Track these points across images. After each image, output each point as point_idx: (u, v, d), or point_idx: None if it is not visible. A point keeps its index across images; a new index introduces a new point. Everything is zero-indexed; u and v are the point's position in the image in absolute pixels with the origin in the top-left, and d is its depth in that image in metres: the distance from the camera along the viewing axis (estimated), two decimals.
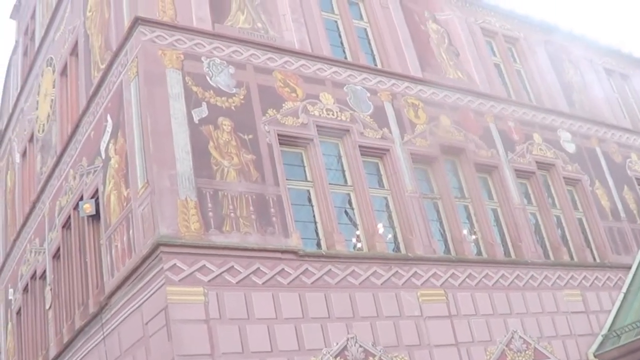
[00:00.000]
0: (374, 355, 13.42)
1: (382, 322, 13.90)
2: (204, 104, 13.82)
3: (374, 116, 16.34)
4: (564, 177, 20.10)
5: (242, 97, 14.42)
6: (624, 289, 19.32)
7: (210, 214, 12.77)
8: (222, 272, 12.35)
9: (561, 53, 23.36)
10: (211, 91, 14.07)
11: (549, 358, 16.35)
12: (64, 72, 18.48)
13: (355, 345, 13.25)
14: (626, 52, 26.34)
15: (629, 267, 20.01)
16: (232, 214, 12.97)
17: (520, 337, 16.02)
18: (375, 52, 18.04)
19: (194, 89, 13.87)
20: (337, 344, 13.06)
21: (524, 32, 22.49)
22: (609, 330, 17.97)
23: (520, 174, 18.88)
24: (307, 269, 13.39)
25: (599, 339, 17.74)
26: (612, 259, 19.80)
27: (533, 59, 22.18)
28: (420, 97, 17.61)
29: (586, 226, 20.21)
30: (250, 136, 14.04)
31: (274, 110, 14.70)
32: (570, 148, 20.95)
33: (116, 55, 14.76)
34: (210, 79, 14.23)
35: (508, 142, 19.01)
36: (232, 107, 14.15)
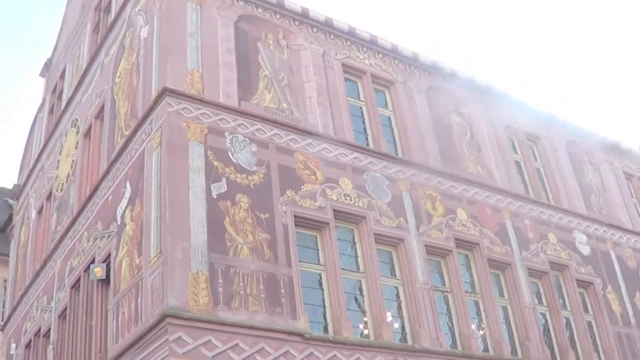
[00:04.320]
0: None
1: None
2: (224, 179, 13.91)
3: (391, 205, 16.37)
4: (576, 279, 19.93)
5: (262, 175, 14.51)
6: None
7: (220, 289, 12.75)
8: (227, 349, 12.28)
9: (582, 154, 23.41)
10: (232, 167, 14.17)
11: None
12: (87, 134, 18.68)
13: None
14: None
15: None
16: (241, 292, 12.95)
17: None
18: (397, 141, 18.16)
19: (215, 163, 13.98)
20: None
21: (546, 131, 22.54)
22: None
23: (533, 272, 18.74)
24: (312, 352, 13.29)
25: None
26: None
27: (554, 158, 22.21)
28: (438, 189, 17.65)
29: (595, 330, 19.96)
30: (267, 215, 14.08)
31: (293, 192, 14.77)
32: (585, 250, 20.84)
33: (141, 123, 14.93)
34: (232, 155, 14.35)
35: (523, 240, 18.94)
36: (251, 185, 14.23)
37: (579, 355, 18.84)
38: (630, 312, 21.08)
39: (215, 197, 13.59)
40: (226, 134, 14.54)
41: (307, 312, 13.72)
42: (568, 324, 19.21)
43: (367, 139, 17.56)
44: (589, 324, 19.84)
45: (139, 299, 13.20)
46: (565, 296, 19.64)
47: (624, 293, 21.31)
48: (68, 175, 19.44)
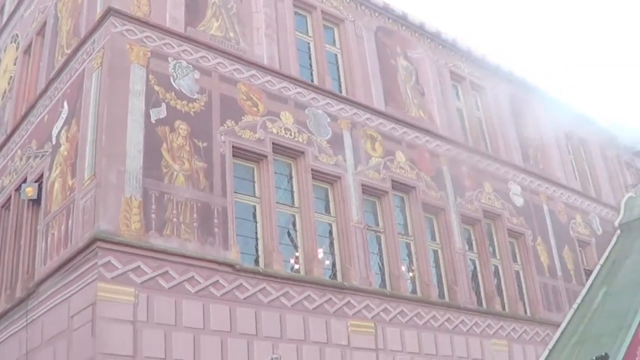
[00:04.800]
0: None
1: (308, 346, 13.90)
2: (164, 105, 13.70)
3: (331, 142, 16.35)
4: (508, 229, 20.28)
5: (202, 103, 14.33)
6: (550, 346, 19.57)
7: (153, 215, 12.65)
8: (156, 275, 12.23)
9: (524, 107, 23.57)
10: (173, 93, 13.95)
11: None
12: (27, 50, 18.21)
13: None
14: (586, 117, 26.66)
15: (558, 325, 20.23)
16: (174, 219, 12.87)
17: None
18: (342, 79, 18.07)
19: (156, 88, 13.75)
20: None
21: (491, 81, 22.65)
22: None
23: (466, 219, 19.01)
24: (241, 284, 13.33)
25: None
26: (543, 315, 20.02)
27: (496, 109, 22.34)
28: (379, 130, 17.66)
29: (522, 279, 20.38)
30: (205, 144, 13.94)
31: (233, 122, 14.63)
32: (518, 201, 21.14)
33: (83, 42, 14.57)
34: (174, 81, 14.12)
35: (458, 187, 19.13)
36: (192, 112, 14.05)
37: (504, 303, 19.25)
38: (558, 265, 21.53)
39: (153, 122, 13.38)
40: (169, 59, 14.28)
41: (239, 243, 13.73)
42: (496, 271, 19.59)
43: (312, 74, 17.41)
44: (517, 273, 20.25)
45: (70, 221, 13.03)
46: (496, 244, 20.00)
47: (553, 246, 21.74)
48: (4, 92, 18.98)
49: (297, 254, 15.09)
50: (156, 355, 11.77)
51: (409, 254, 17.40)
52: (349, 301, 14.96)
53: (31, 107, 16.39)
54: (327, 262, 15.55)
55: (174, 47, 14.46)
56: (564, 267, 21.85)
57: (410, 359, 15.69)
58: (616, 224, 25.69)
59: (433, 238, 18.19)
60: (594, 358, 17.01)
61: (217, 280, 12.99)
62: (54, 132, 14.70)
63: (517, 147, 22.43)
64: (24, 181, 15.39)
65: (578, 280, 22.19)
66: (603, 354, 17.03)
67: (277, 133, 15.35)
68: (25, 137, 16.38)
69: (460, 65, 21.72)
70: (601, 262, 23.52)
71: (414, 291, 16.95)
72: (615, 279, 22.17)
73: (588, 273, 22.91)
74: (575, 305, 21.23)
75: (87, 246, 11.98)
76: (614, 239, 24.98)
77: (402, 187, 17.64)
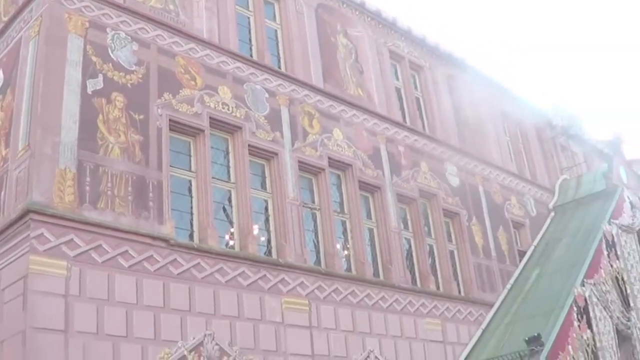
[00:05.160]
0: (229, 355, 13.50)
1: (242, 323, 14.00)
2: (101, 76, 13.60)
3: (269, 118, 16.42)
4: (443, 209, 20.61)
5: (140, 75, 14.26)
6: (483, 326, 19.99)
7: (87, 188, 12.58)
8: (90, 249, 12.20)
9: (462, 89, 23.87)
10: (110, 64, 13.85)
11: None
12: None
13: (211, 343, 13.30)
14: (523, 99, 27.10)
15: (492, 305, 20.68)
16: (109, 192, 12.82)
17: (376, 357, 16.39)
18: (281, 55, 18.11)
19: (94, 59, 13.64)
20: (194, 338, 13.08)
21: (430, 62, 22.91)
22: None
23: (402, 198, 19.27)
24: (175, 259, 13.36)
25: None
26: (477, 295, 20.43)
27: (434, 89, 22.65)
28: (317, 107, 17.77)
29: (457, 259, 20.76)
30: (142, 116, 13.90)
31: (170, 95, 14.60)
32: (454, 182, 21.47)
33: (20, 10, 14.34)
34: (112, 52, 14.01)
35: (395, 165, 19.37)
36: (129, 84, 13.98)
37: (438, 282, 19.59)
38: (492, 245, 21.94)
39: (90, 93, 13.29)
40: (108, 29, 14.15)
41: (174, 218, 13.75)
42: (431, 251, 19.92)
43: (251, 49, 17.43)
44: (451, 253, 20.62)
45: (2, 193, 12.88)
46: (431, 224, 20.32)
47: (488, 226, 22.15)
48: None
49: (232, 229, 15.16)
50: (88, 330, 11.74)
51: (345, 232, 17.60)
52: (283, 278, 15.10)
53: None
54: (262, 239, 15.66)
55: (112, 18, 14.34)
56: (498, 247, 22.28)
57: (343, 337, 15.89)
58: (550, 206, 26.24)
59: (369, 216, 18.41)
60: (526, 338, 17.41)
61: (151, 255, 13.00)
62: None
63: (454, 127, 22.76)
64: None
65: (512, 261, 22.66)
66: (535, 334, 17.43)
67: (215, 107, 15.36)
68: None
69: (399, 45, 21.92)
70: (535, 243, 24.06)
71: (348, 269, 17.15)
72: (548, 260, 22.65)
73: (522, 254, 23.41)
74: (508, 286, 21.71)
75: (19, 218, 11.90)
76: (548, 220, 25.54)
77: (338, 164, 17.81)
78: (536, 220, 24.96)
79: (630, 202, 25.01)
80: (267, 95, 16.64)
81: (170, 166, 14.13)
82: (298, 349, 14.79)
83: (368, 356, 16.22)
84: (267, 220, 15.88)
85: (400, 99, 21.37)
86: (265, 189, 16.11)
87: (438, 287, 19.48)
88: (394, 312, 17.38)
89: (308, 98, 17.63)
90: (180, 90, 14.87)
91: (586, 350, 18.47)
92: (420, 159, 20.46)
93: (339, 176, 17.98)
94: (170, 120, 14.37)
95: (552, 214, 25.99)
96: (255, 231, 15.33)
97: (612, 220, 23.07)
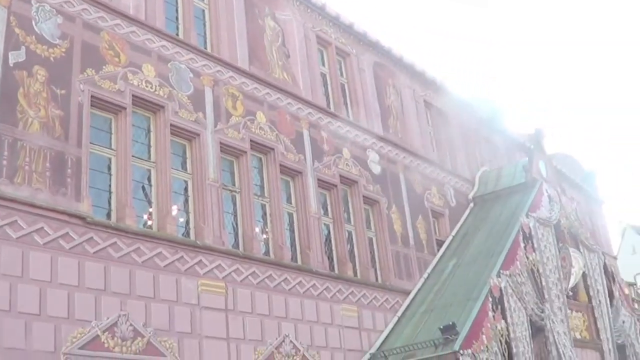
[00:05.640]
0: (143, 336, 13.54)
1: (157, 304, 14.05)
2: (23, 48, 13.43)
3: (192, 98, 16.43)
4: (363, 196, 20.90)
5: (64, 49, 14.14)
6: (399, 313, 20.43)
7: (4, 162, 12.45)
8: (4, 224, 12.10)
9: (387, 77, 24.22)
10: (33, 37, 13.69)
11: None
12: None
13: (126, 323, 13.33)
14: (447, 90, 27.54)
15: (408, 293, 21.12)
16: (26, 167, 12.72)
17: (291, 342, 16.60)
18: (207, 35, 18.12)
19: (17, 30, 13.44)
20: (108, 318, 13.10)
21: (357, 49, 23.15)
22: (377, 349, 18.94)
23: (323, 184, 19.51)
24: (92, 237, 13.33)
25: (367, 356, 18.73)
26: (394, 283, 20.81)
27: (359, 76, 22.90)
28: (241, 89, 17.84)
29: (375, 246, 21.09)
30: (63, 91, 13.81)
31: (93, 71, 14.51)
32: (376, 169, 21.78)
33: None
34: (36, 24, 13.83)
35: (317, 151, 19.59)
36: (51, 58, 13.86)
37: (356, 269, 19.89)
38: (411, 234, 22.33)
39: (11, 65, 13.09)
40: (33, 1, 13.90)
41: (91, 195, 13.71)
42: (350, 237, 20.18)
43: (177, 28, 17.37)
44: (370, 240, 20.93)
45: None
46: (351, 211, 20.59)
47: (407, 215, 22.53)
48: None
49: (150, 209, 15.18)
50: (0, 307, 11.69)
51: (264, 216, 17.75)
52: (200, 260, 15.18)
53: None
54: (181, 220, 15.70)
55: None
56: (417, 236, 22.69)
57: (259, 321, 16.05)
58: (470, 196, 26.81)
59: (289, 201, 18.60)
60: (441, 327, 17.83)
61: (67, 233, 12.95)
62: None
63: (378, 115, 23.06)
64: None
65: (430, 250, 23.11)
66: (450, 323, 17.88)
67: (138, 85, 15.32)
68: None
69: (327, 31, 22.10)
70: (453, 233, 24.60)
71: (266, 253, 17.32)
72: (466, 250, 23.17)
73: (440, 243, 23.90)
74: (425, 275, 22.19)
75: None
76: (467, 211, 26.12)
77: (261, 147, 17.93)
78: (455, 211, 25.49)
79: (549, 196, 25.73)
80: (191, 75, 16.65)
81: (90, 143, 14.06)
82: (213, 332, 14.90)
83: (283, 340, 16.42)
84: (186, 201, 15.93)
85: (325, 84, 21.57)
86: (186, 169, 16.14)
87: (355, 274, 19.78)
88: (310, 297, 17.62)
89: (233, 80, 17.69)
90: (104, 67, 14.79)
91: (500, 340, 18.99)
92: (343, 145, 20.70)
93: (260, 159, 18.11)
94: (92, 96, 14.30)
95: (472, 204, 26.58)
96: (174, 212, 15.36)
97: (530, 213, 23.72)
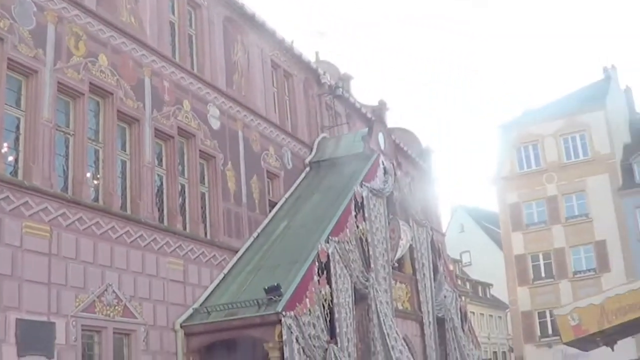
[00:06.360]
0: None
1: None
2: None
3: (34, 34, 16.04)
4: (200, 150, 21.07)
5: None
6: (226, 270, 20.85)
7: None
8: None
9: (237, 33, 24.33)
10: None
11: (136, 318, 17.24)
12: None
13: None
14: (295, 53, 27.93)
15: (236, 251, 21.56)
16: None
17: (114, 291, 16.71)
18: None
19: None
20: None
21: (209, 0, 23.09)
22: (201, 305, 19.30)
23: (160, 134, 19.52)
24: None
25: (190, 311, 19.05)
26: (223, 239, 21.19)
27: (209, 29, 22.90)
28: (86, 29, 17.51)
29: (207, 202, 21.35)
30: None
31: None
32: (215, 124, 21.96)
33: None
34: None
35: (157, 100, 19.56)
36: None
37: (186, 223, 20.08)
38: (244, 193, 22.71)
39: None
40: None
41: None
42: (182, 191, 20.32)
43: None
44: (203, 195, 21.16)
45: None
46: (186, 164, 20.71)
47: (243, 173, 22.91)
48: None
49: None
50: None
51: (97, 161, 17.61)
52: (27, 201, 15.02)
53: None
54: (10, 158, 15.45)
55: None
56: (250, 195, 23.08)
57: (83, 268, 16.05)
58: (307, 161, 27.38)
59: (123, 148, 18.51)
60: (265, 287, 18.29)
61: None
62: None
63: (223, 70, 23.20)
64: None
65: (262, 210, 23.58)
66: (275, 284, 18.36)
67: None
68: None
69: None
70: (287, 196, 25.12)
71: (96, 199, 17.28)
72: (297, 214, 23.74)
73: (272, 204, 24.36)
74: (255, 234, 22.64)
75: None
76: (303, 175, 26.67)
77: (99, 91, 17.75)
78: (291, 173, 26.03)
79: (384, 168, 26.61)
80: (35, 9, 16.19)
81: None
82: (34, 276, 14.82)
83: (106, 289, 16.49)
84: (17, 139, 15.65)
85: (173, 34, 21.47)
86: (20, 107, 15.80)
87: (185, 228, 19.98)
88: (137, 248, 17.72)
89: (78, 18, 17.34)
90: None
91: (323, 304, 19.68)
92: (184, 97, 20.73)
93: (98, 103, 17.92)
94: None
95: (308, 169, 27.17)
96: (4, 149, 15.11)
97: (364, 183, 24.50)
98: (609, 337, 33.34)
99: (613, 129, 52.88)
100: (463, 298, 44.83)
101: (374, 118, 30.99)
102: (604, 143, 51.85)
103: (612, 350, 34.33)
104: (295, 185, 25.97)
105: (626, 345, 36.93)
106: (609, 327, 31.80)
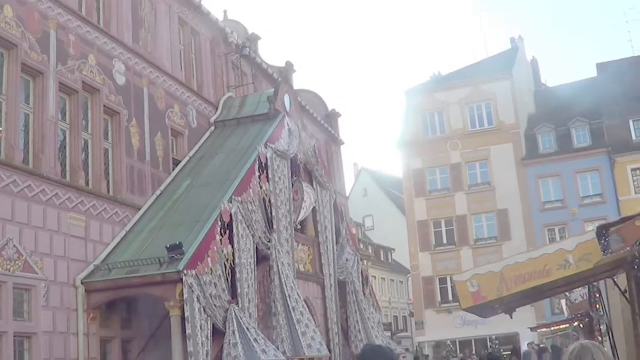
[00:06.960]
0: None
1: None
2: None
3: None
4: (104, 105, 21.16)
5: None
6: (128, 227, 21.08)
7: None
8: None
9: None
10: None
11: (37, 274, 17.37)
12: None
13: None
14: (203, 11, 28.06)
15: (139, 208, 21.81)
16: None
17: (14, 246, 16.80)
18: None
19: None
20: None
21: None
22: (102, 261, 19.52)
23: (64, 88, 19.55)
24: None
25: (90, 267, 19.23)
26: (125, 196, 21.42)
27: None
28: None
29: (110, 158, 21.50)
30: None
31: None
32: (120, 80, 22.06)
33: None
34: None
35: (63, 54, 19.56)
36: None
37: (88, 179, 20.17)
38: (148, 150, 22.90)
39: None
40: None
41: None
42: (86, 146, 20.41)
43: None
44: (106, 150, 21.29)
45: None
46: (90, 119, 20.77)
47: (147, 130, 23.07)
48: None
49: None
50: None
51: None
52: None
53: None
54: None
55: None
56: (154, 152, 23.32)
57: None
58: (212, 120, 27.64)
59: (27, 101, 18.48)
60: (167, 245, 18.60)
61: None
62: None
63: (130, 25, 23.25)
64: None
65: (165, 168, 23.84)
66: (177, 242, 18.68)
67: None
68: None
69: None
70: (191, 154, 25.40)
71: None
72: (201, 173, 24.05)
73: (176, 162, 24.62)
74: (158, 192, 22.88)
75: None
76: (207, 134, 26.95)
77: (4, 42, 17.70)
78: (195, 132, 26.29)
79: (289, 130, 27.06)
80: None
81: None
82: None
83: (7, 244, 16.57)
84: None
85: None
86: None
87: (87, 183, 20.11)
88: (38, 203, 17.80)
89: None
90: None
91: (225, 264, 20.09)
92: (90, 52, 20.75)
93: (2, 54, 17.86)
94: None
95: (212, 128, 27.46)
96: None
97: (268, 144, 24.91)
98: (507, 305, 34.22)
99: (518, 99, 54.30)
100: (365, 262, 45.86)
101: (280, 79, 31.34)
102: (508, 113, 53.22)
103: (511, 317, 35.22)
104: (199, 144, 26.22)
105: (525, 313, 38.10)
106: (507, 295, 32.75)
